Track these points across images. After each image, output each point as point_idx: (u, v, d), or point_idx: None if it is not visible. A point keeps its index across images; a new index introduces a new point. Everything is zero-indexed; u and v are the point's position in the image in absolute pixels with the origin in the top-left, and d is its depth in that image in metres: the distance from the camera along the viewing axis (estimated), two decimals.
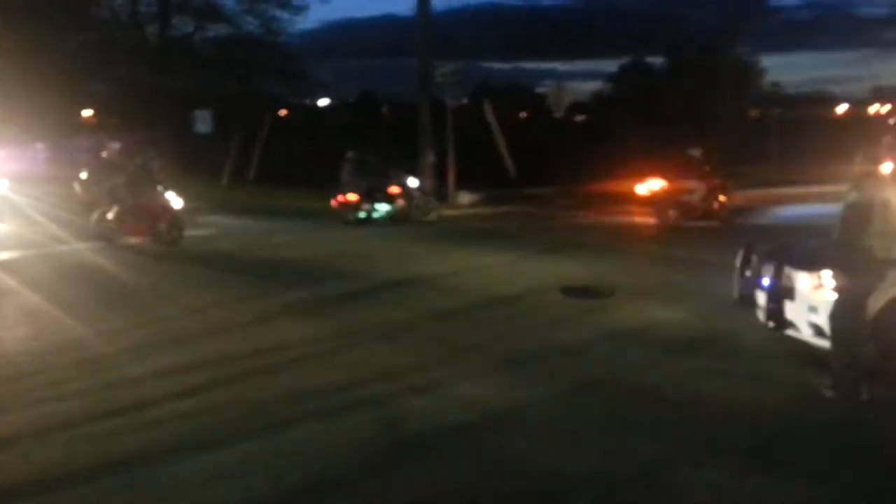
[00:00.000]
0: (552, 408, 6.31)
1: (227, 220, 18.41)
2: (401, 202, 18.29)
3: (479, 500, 4.81)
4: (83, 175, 19.98)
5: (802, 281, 7.06)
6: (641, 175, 18.33)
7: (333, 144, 28.51)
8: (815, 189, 17.92)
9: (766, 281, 7.53)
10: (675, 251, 13.72)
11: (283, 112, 41.15)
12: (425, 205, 18.62)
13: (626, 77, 52.23)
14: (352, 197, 18.05)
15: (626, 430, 5.77)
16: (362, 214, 17.96)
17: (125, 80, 33.70)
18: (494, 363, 7.46)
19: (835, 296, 6.42)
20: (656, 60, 50.54)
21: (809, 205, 15.92)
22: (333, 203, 18.33)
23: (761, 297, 7.61)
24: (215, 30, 35.00)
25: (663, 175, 17.24)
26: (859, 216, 6.23)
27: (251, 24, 34.53)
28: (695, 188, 16.97)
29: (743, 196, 18.20)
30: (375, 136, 30.70)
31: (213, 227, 16.09)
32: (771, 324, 7.45)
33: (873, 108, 55.21)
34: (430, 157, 21.90)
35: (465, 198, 22.15)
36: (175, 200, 14.99)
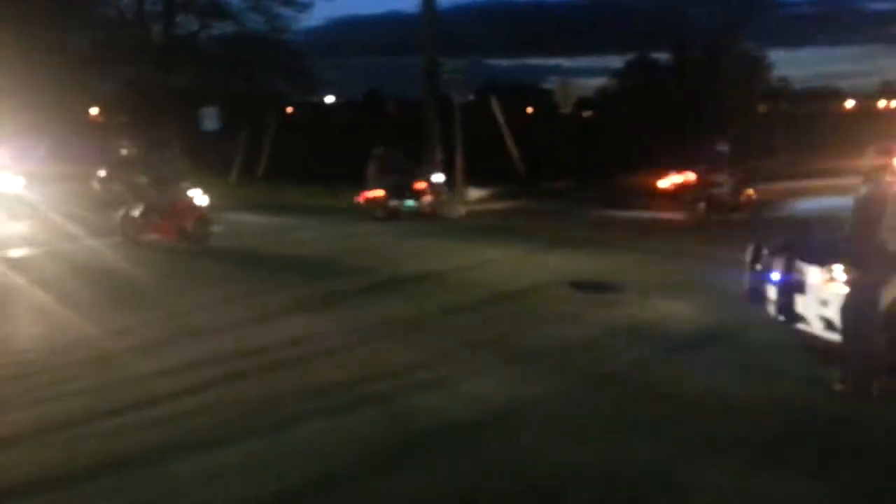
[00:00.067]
0: (557, 404, 6.27)
1: (240, 216, 18.32)
2: (427, 198, 18.26)
3: (483, 498, 4.78)
4: (102, 173, 20.03)
5: (813, 275, 7.01)
6: (661, 170, 18.34)
7: (339, 142, 28.63)
8: (830, 182, 17.85)
9: (776, 275, 7.49)
10: (690, 246, 13.61)
11: (289, 110, 41.17)
12: (451, 201, 18.57)
13: (631, 73, 52.15)
14: (378, 193, 18.06)
15: (632, 427, 5.74)
16: (379, 212, 17.91)
17: (131, 79, 33.76)
18: (501, 359, 7.42)
19: (846, 289, 6.38)
20: (662, 56, 50.52)
21: (828, 198, 15.85)
22: (359, 199, 18.33)
23: (772, 292, 7.57)
24: (220, 28, 34.99)
25: (692, 169, 17.26)
26: (871, 209, 6.19)
27: (256, 21, 34.49)
28: (723, 182, 16.99)
29: (764, 189, 18.16)
30: (381, 134, 30.68)
31: (224, 224, 16.03)
32: (781, 318, 7.42)
33: (882, 103, 55.09)
34: (438, 154, 21.87)
35: (474, 193, 22.11)
36: (201, 198, 14.65)
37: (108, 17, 33.29)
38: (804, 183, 20.48)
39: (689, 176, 17.26)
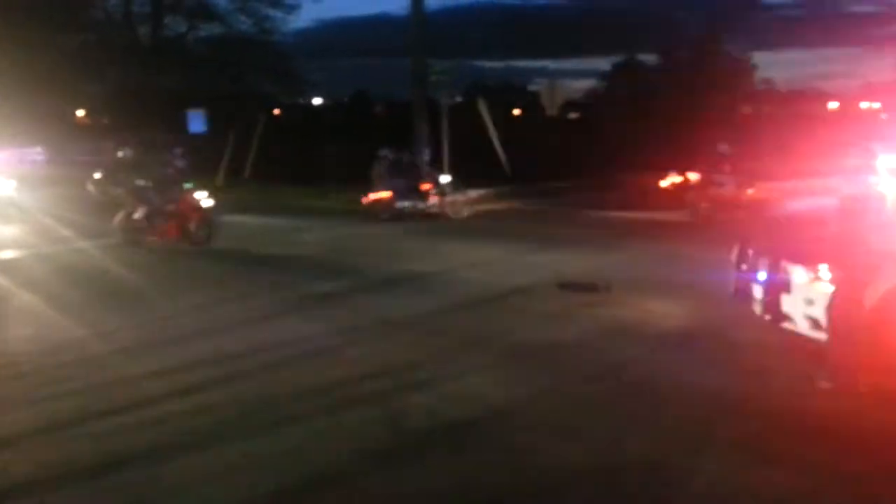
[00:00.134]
0: (551, 402, 6.35)
1: (234, 218, 18.29)
2: (433, 199, 18.32)
3: (478, 495, 4.83)
4: (97, 175, 19.97)
5: (799, 274, 7.11)
6: (659, 170, 18.55)
7: (327, 144, 28.61)
8: (820, 182, 18.01)
9: (762, 275, 7.58)
10: (684, 245, 13.69)
11: (276, 111, 41.13)
12: (457, 202, 18.61)
13: (618, 75, 52.35)
14: (384, 194, 18.11)
15: (623, 424, 5.82)
16: (385, 214, 17.98)
17: (118, 81, 33.66)
18: (494, 358, 7.50)
19: (831, 288, 6.47)
20: (649, 58, 50.75)
21: (820, 197, 15.94)
22: (365, 200, 18.37)
23: (758, 291, 7.66)
24: (208, 29, 34.98)
25: (696, 169, 17.51)
26: (856, 209, 6.29)
27: (244, 23, 34.52)
28: (725, 181, 17.23)
29: (764, 189, 18.34)
30: (368, 135, 30.66)
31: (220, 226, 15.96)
32: (767, 317, 7.51)
33: (864, 105, 55.41)
34: (426, 156, 21.93)
35: (471, 194, 22.13)
36: (205, 200, 14.61)
37: (95, 18, 33.21)
38: (799, 183, 20.63)
39: (693, 175, 17.52)
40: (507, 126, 28.37)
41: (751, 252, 8.02)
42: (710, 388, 6.55)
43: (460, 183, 20.78)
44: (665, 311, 9.10)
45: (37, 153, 24.32)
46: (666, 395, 6.39)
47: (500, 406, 6.24)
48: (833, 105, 57.22)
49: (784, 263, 7.31)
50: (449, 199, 18.49)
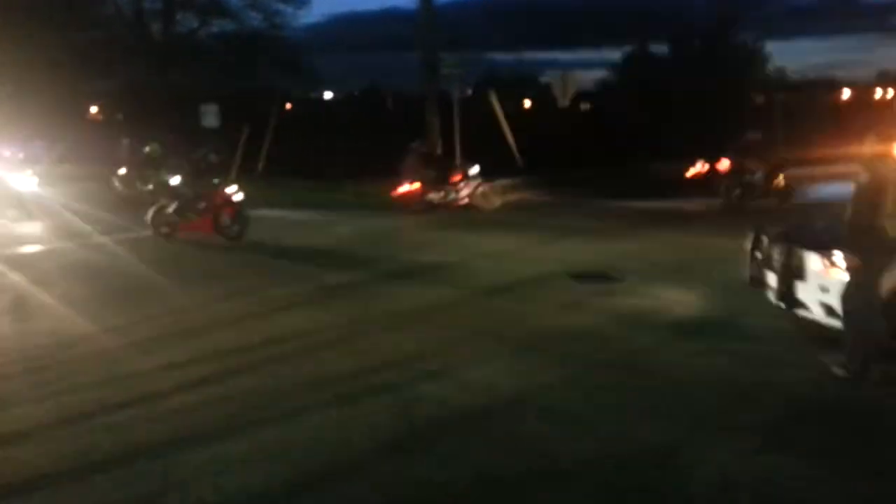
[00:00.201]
0: (562, 391, 6.36)
1: (259, 212, 18.39)
2: (464, 190, 18.37)
3: (491, 483, 4.85)
4: (122, 171, 20.09)
5: (813, 262, 7.09)
6: (673, 158, 18.64)
7: (339, 138, 28.66)
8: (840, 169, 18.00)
9: (776, 262, 7.56)
10: (709, 235, 13.64)
11: (288, 106, 41.21)
12: (487, 193, 18.62)
13: (630, 66, 52.22)
14: (414, 186, 18.17)
15: (637, 412, 5.82)
16: (416, 205, 18.00)
17: (130, 77, 33.79)
18: (506, 348, 7.51)
19: (846, 276, 6.45)
20: (660, 48, 50.62)
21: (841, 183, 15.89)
22: (395, 193, 18.42)
23: (772, 279, 7.65)
24: (219, 25, 35.08)
25: (727, 156, 17.62)
26: (871, 196, 6.26)
27: (255, 18, 34.59)
28: (756, 169, 17.34)
29: (793, 176, 18.35)
30: (381, 129, 30.71)
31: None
32: (782, 304, 7.50)
33: (878, 93, 55.14)
34: (438, 148, 21.93)
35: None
36: (237, 194, 14.53)
37: (106, 15, 33.33)
38: (824, 169, 20.62)
39: (724, 163, 17.63)
40: (518, 118, 28.31)
41: (765, 239, 8.01)
42: (723, 375, 6.55)
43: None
44: (679, 299, 9.07)
45: (61, 150, 24.45)
46: (678, 384, 6.39)
47: (512, 395, 6.26)
48: (847, 93, 56.95)
49: (798, 251, 7.30)
50: (479, 190, 18.49)
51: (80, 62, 30.00)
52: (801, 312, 7.28)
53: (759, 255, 8.06)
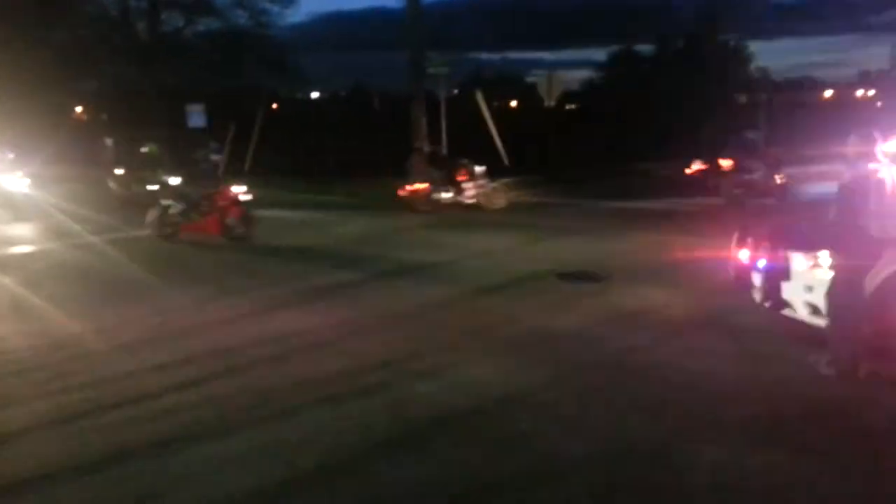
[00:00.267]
0: (553, 390, 6.39)
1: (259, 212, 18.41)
2: (471, 190, 18.43)
3: (484, 482, 4.88)
4: (119, 171, 20.02)
5: (798, 261, 7.17)
6: (663, 158, 18.91)
7: (326, 137, 28.64)
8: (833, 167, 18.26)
9: (761, 262, 7.63)
10: (683, 233, 13.81)
11: (274, 105, 41.13)
12: (494, 192, 18.67)
13: (615, 65, 52.40)
14: (421, 186, 18.24)
15: (626, 411, 5.87)
16: (422, 205, 18.13)
17: (116, 77, 33.65)
18: (497, 348, 7.55)
19: (831, 275, 6.52)
20: (645, 48, 50.81)
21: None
22: (402, 192, 18.49)
23: (757, 278, 7.72)
24: (205, 24, 34.97)
25: (729, 156, 17.95)
26: (855, 196, 6.33)
27: (241, 16, 34.51)
28: (756, 168, 17.78)
29: (790, 174, 18.58)
30: (368, 128, 30.71)
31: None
32: (767, 304, 7.57)
33: (860, 92, 55.52)
34: (425, 148, 21.97)
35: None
36: (244, 194, 14.34)
37: (91, 14, 33.17)
38: (817, 168, 20.84)
39: (726, 162, 17.94)
40: (504, 117, 28.40)
41: (750, 239, 8.08)
42: (712, 374, 6.61)
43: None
44: (665, 300, 9.16)
45: (51, 151, 24.32)
46: (668, 383, 6.44)
47: (503, 395, 6.29)
48: (828, 93, 57.31)
49: (784, 250, 7.37)
50: (485, 189, 18.58)
51: (65, 62, 29.83)
52: (787, 312, 7.35)
53: (744, 254, 8.13)
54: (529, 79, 50.71)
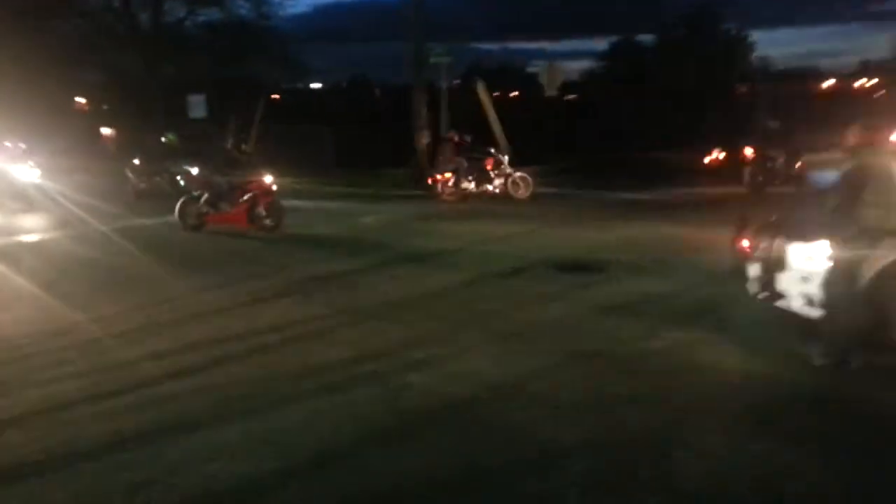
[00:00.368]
0: (549, 380, 6.41)
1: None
2: (496, 180, 18.47)
3: (479, 470, 4.90)
4: (136, 161, 20.07)
5: (794, 252, 7.17)
6: (702, 146, 20.21)
7: (329, 127, 28.58)
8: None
9: (758, 252, 7.63)
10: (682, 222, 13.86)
11: (276, 96, 41.10)
12: (520, 182, 18.71)
13: (616, 55, 52.29)
14: (448, 175, 18.34)
15: (621, 401, 5.88)
16: (449, 195, 18.27)
17: (117, 67, 33.64)
18: (492, 337, 7.56)
19: (827, 265, 6.53)
20: (646, 38, 50.70)
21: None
22: (430, 181, 18.63)
23: (754, 269, 7.72)
24: (207, 14, 34.96)
25: (751, 144, 18.41)
26: (854, 186, 6.33)
27: (243, 7, 34.52)
28: (777, 156, 18.12)
29: (809, 161, 18.77)
30: (370, 118, 30.66)
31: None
32: (763, 295, 7.57)
33: (860, 83, 55.35)
34: (425, 139, 21.97)
35: None
36: (272, 185, 14.20)
37: (94, 4, 33.17)
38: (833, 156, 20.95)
39: (749, 151, 18.15)
40: (505, 107, 28.35)
41: (748, 230, 8.08)
42: (707, 364, 6.63)
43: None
44: (660, 290, 9.19)
45: (61, 143, 24.37)
46: (662, 373, 6.46)
47: (498, 384, 6.31)
48: (829, 83, 57.13)
49: (780, 241, 7.37)
50: (511, 179, 18.63)
51: (67, 52, 29.85)
52: (782, 303, 7.35)
53: (741, 244, 8.12)
54: (530, 69, 50.73)
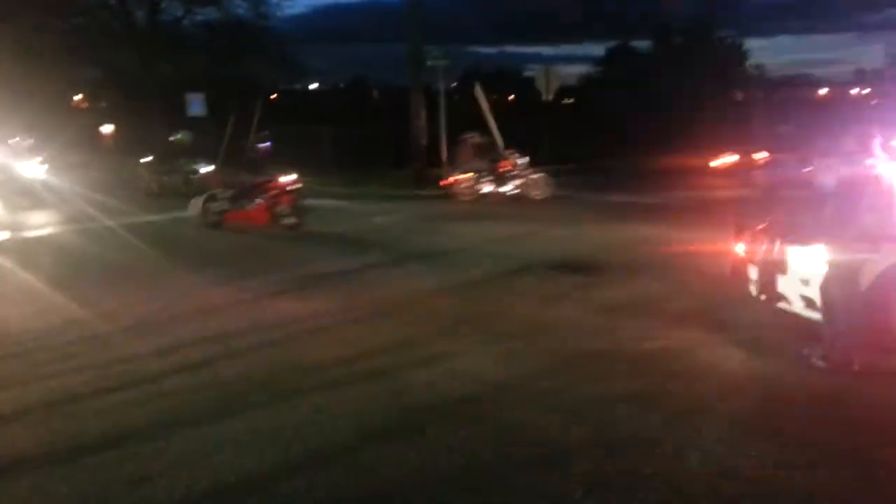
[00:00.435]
0: (549, 380, 6.42)
1: None
2: (514, 181, 18.47)
3: (479, 468, 4.91)
4: (148, 159, 20.03)
5: (794, 254, 7.20)
6: (712, 150, 20.60)
7: (325, 128, 28.61)
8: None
9: (758, 255, 7.66)
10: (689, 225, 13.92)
11: (273, 96, 41.10)
12: (536, 183, 18.72)
13: (612, 61, 52.34)
14: (466, 176, 18.35)
15: (622, 400, 5.89)
16: (467, 195, 18.30)
17: (114, 65, 33.61)
18: (492, 337, 7.59)
19: (826, 269, 6.56)
20: (642, 44, 50.79)
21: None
22: (446, 182, 18.62)
23: (754, 271, 7.75)
24: (204, 14, 34.95)
25: (765, 149, 19.03)
26: (851, 190, 6.37)
27: (240, 6, 34.51)
28: (786, 160, 18.47)
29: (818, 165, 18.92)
30: (367, 119, 30.67)
31: None
32: (763, 297, 7.60)
33: (855, 91, 55.62)
34: (423, 140, 22.00)
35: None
36: (295, 183, 14.11)
37: (91, 1, 33.14)
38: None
39: (762, 154, 18.42)
40: (502, 111, 28.40)
41: (747, 232, 8.11)
42: (707, 366, 6.65)
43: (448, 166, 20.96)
44: (660, 292, 9.21)
45: (64, 140, 24.33)
46: (663, 373, 6.46)
47: (500, 383, 6.33)
48: (823, 91, 57.40)
49: (780, 244, 7.40)
50: (528, 180, 18.65)
51: (65, 50, 29.81)
52: (782, 305, 7.39)
53: (741, 247, 8.16)
54: (527, 73, 50.75)
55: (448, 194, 18.65)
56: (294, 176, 14.25)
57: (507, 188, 18.54)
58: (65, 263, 11.31)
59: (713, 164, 20.54)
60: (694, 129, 25.43)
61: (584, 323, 8.04)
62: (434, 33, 26.79)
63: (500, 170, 18.63)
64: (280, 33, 35.69)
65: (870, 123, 6.93)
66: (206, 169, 16.01)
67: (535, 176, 18.72)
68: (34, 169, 18.76)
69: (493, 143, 19.36)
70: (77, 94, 36.96)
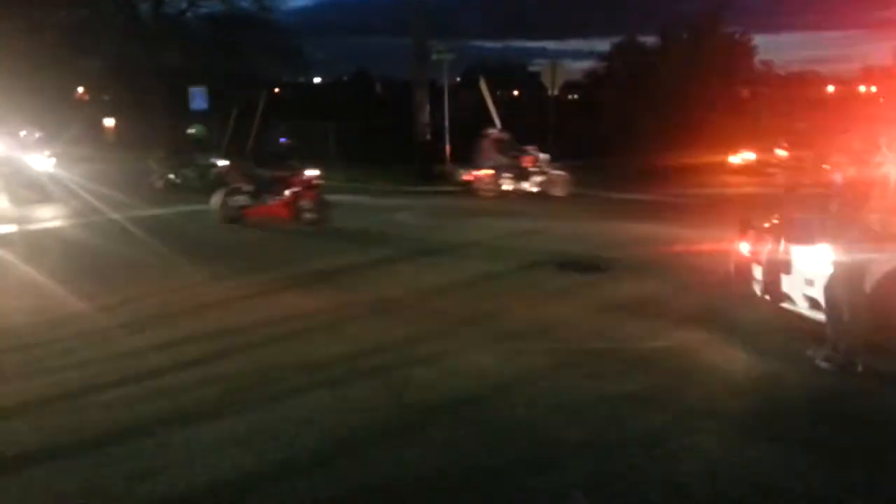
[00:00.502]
0: (551, 379, 6.41)
1: None
2: (536, 178, 18.47)
3: (480, 466, 4.90)
4: (160, 154, 20.02)
5: (799, 255, 7.18)
6: (728, 147, 21.09)
7: (329, 122, 28.59)
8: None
9: (762, 255, 7.64)
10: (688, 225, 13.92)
11: (276, 90, 41.09)
12: (558, 180, 18.71)
13: (618, 56, 52.17)
14: (487, 172, 18.34)
15: (623, 401, 5.88)
16: (488, 191, 18.34)
17: (119, 58, 33.62)
18: (495, 335, 7.57)
19: (831, 269, 6.54)
20: (648, 39, 50.58)
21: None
22: (468, 178, 18.63)
23: (758, 271, 7.73)
24: (208, 7, 34.94)
25: (784, 146, 19.31)
26: (857, 190, 6.34)
27: (244, 0, 34.51)
28: (805, 157, 18.74)
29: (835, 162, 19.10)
30: (371, 113, 30.64)
31: None
32: (767, 297, 7.58)
33: (863, 88, 55.43)
34: (426, 135, 21.98)
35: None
36: (317, 178, 13.94)
37: None
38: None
39: (781, 152, 19.21)
40: (507, 106, 28.40)
41: (752, 232, 8.09)
42: (710, 366, 6.63)
43: (451, 161, 20.94)
44: (663, 291, 9.18)
45: (73, 133, 24.37)
46: (666, 373, 6.46)
47: (501, 381, 6.33)
48: (831, 88, 57.23)
49: (785, 244, 7.38)
50: (549, 177, 18.63)
51: (68, 42, 29.82)
52: (786, 305, 7.37)
53: (745, 246, 8.14)
54: (532, 68, 50.69)
55: (469, 190, 18.63)
56: (317, 171, 14.08)
57: (529, 185, 18.50)
58: (68, 257, 11.32)
59: (731, 160, 20.74)
60: (704, 125, 25.40)
61: (586, 322, 8.02)
62: (439, 28, 26.75)
63: (523, 166, 18.60)
64: (284, 26, 35.74)
65: (877, 121, 6.87)
66: (223, 163, 15.90)
67: (556, 173, 18.69)
68: (42, 162, 18.78)
69: (514, 140, 19.32)
70: (80, 86, 36.97)
